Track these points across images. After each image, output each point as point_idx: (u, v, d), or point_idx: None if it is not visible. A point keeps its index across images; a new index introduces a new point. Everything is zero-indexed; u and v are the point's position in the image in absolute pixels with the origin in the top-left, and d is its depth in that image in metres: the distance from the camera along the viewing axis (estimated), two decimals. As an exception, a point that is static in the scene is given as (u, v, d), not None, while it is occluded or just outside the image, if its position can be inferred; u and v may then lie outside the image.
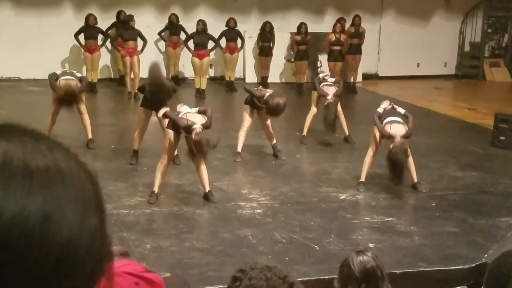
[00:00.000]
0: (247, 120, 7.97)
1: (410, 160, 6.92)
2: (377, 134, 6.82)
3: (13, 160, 0.60)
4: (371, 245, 5.50)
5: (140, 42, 12.35)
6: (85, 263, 0.62)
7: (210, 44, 12.75)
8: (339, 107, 8.91)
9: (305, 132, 8.95)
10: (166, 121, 6.65)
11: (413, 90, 13.74)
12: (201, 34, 12.63)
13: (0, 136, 0.63)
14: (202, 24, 12.67)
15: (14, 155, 0.61)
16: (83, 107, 8.30)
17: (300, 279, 3.78)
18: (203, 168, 6.45)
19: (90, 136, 8.35)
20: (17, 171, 0.60)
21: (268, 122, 8.03)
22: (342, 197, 6.81)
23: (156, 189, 6.43)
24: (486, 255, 5.34)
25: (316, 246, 5.49)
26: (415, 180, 7.01)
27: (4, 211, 0.57)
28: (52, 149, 0.64)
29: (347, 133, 9.02)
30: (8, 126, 0.65)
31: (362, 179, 6.99)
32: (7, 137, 0.63)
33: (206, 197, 6.52)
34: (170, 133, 6.41)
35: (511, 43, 16.28)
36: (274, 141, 8.15)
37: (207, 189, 6.51)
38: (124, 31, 12.30)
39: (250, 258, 5.14)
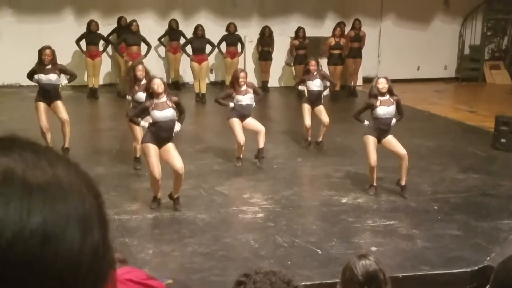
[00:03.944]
0: (239, 135, 7.74)
1: (405, 163, 6.84)
2: (370, 141, 6.79)
3: (13, 177, 0.59)
4: (373, 248, 5.50)
5: (143, 47, 12.34)
6: (87, 279, 0.61)
7: (208, 49, 12.79)
8: (325, 117, 8.66)
9: (309, 138, 8.87)
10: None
11: (414, 93, 13.73)
12: (200, 39, 12.68)
13: (0, 151, 0.62)
14: (201, 29, 12.72)
15: (14, 172, 0.59)
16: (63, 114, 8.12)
17: (303, 283, 3.78)
18: (179, 176, 6.27)
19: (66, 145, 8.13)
20: (17, 189, 0.58)
21: (257, 126, 7.89)
22: (344, 200, 6.81)
23: (157, 195, 6.41)
24: (488, 258, 5.33)
25: (318, 250, 5.48)
26: (403, 183, 6.94)
27: (4, 231, 0.57)
28: (53, 164, 0.63)
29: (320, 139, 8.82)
30: (8, 140, 0.64)
31: (373, 183, 6.95)
32: (7, 153, 0.61)
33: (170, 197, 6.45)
34: (148, 146, 6.22)
35: (511, 46, 16.29)
36: (261, 146, 7.91)
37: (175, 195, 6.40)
38: (128, 36, 12.32)
39: (252, 263, 5.14)
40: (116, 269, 0.84)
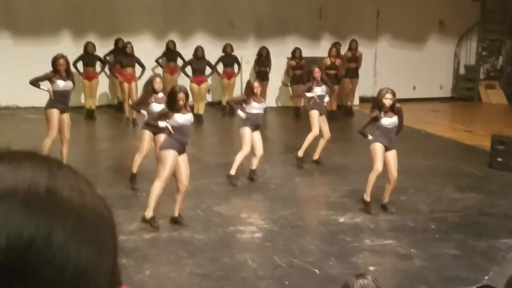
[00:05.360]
0: (247, 145, 7.87)
1: (392, 187, 6.86)
2: (379, 148, 6.81)
3: (38, 187, 0.60)
4: (371, 268, 5.49)
5: (138, 69, 12.43)
6: None
7: (208, 70, 12.86)
8: (326, 130, 8.89)
9: (301, 154, 8.88)
10: (161, 142, 6.66)
11: (410, 112, 13.75)
12: (199, 60, 12.75)
13: (26, 160, 0.64)
14: (200, 50, 12.80)
15: (57, 192, 0.61)
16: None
17: (301, 303, 3.76)
18: (182, 192, 6.43)
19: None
20: (42, 198, 0.60)
21: (259, 147, 7.94)
22: (342, 220, 6.81)
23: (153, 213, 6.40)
24: (487, 277, 5.32)
25: (316, 270, 5.47)
26: (385, 201, 6.97)
27: (24, 233, 0.57)
28: (88, 186, 0.66)
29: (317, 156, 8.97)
30: (33, 153, 0.66)
31: (368, 198, 6.95)
32: (33, 163, 0.63)
33: (175, 221, 6.50)
34: (171, 153, 6.27)
35: (506, 65, 16.42)
36: (254, 167, 8.05)
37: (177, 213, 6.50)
38: (123, 58, 12.43)
39: (251, 283, 5.13)
40: None
